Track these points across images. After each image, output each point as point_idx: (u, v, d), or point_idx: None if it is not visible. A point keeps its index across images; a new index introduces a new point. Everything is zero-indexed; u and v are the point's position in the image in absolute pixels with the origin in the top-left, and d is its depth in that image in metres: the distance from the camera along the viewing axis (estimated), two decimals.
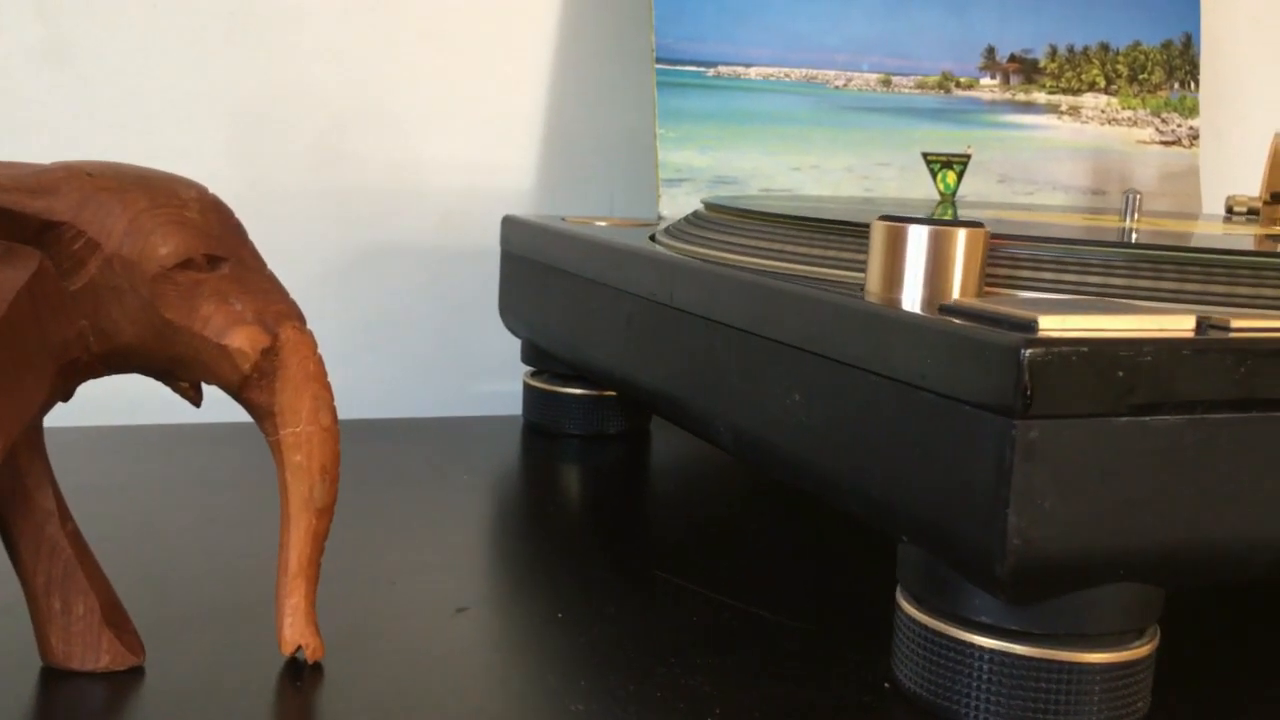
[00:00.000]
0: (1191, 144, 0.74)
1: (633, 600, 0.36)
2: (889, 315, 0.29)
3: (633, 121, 0.65)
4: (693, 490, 0.50)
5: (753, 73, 0.64)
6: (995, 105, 0.69)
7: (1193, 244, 0.37)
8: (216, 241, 0.27)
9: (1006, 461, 0.25)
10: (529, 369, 0.58)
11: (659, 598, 0.36)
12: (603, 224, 0.55)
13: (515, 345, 0.60)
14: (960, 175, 0.68)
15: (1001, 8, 0.69)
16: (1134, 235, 0.44)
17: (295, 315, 0.28)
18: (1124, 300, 0.32)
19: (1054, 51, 0.71)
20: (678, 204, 0.61)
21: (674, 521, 0.46)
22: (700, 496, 0.49)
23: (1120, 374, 0.25)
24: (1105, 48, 0.72)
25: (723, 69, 0.64)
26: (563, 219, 0.56)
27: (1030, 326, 0.26)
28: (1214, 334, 0.27)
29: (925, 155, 0.67)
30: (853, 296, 0.31)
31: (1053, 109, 0.71)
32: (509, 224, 0.58)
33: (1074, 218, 0.49)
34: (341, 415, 0.62)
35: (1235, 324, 0.28)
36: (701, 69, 0.63)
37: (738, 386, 0.36)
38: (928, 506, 0.28)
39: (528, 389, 0.57)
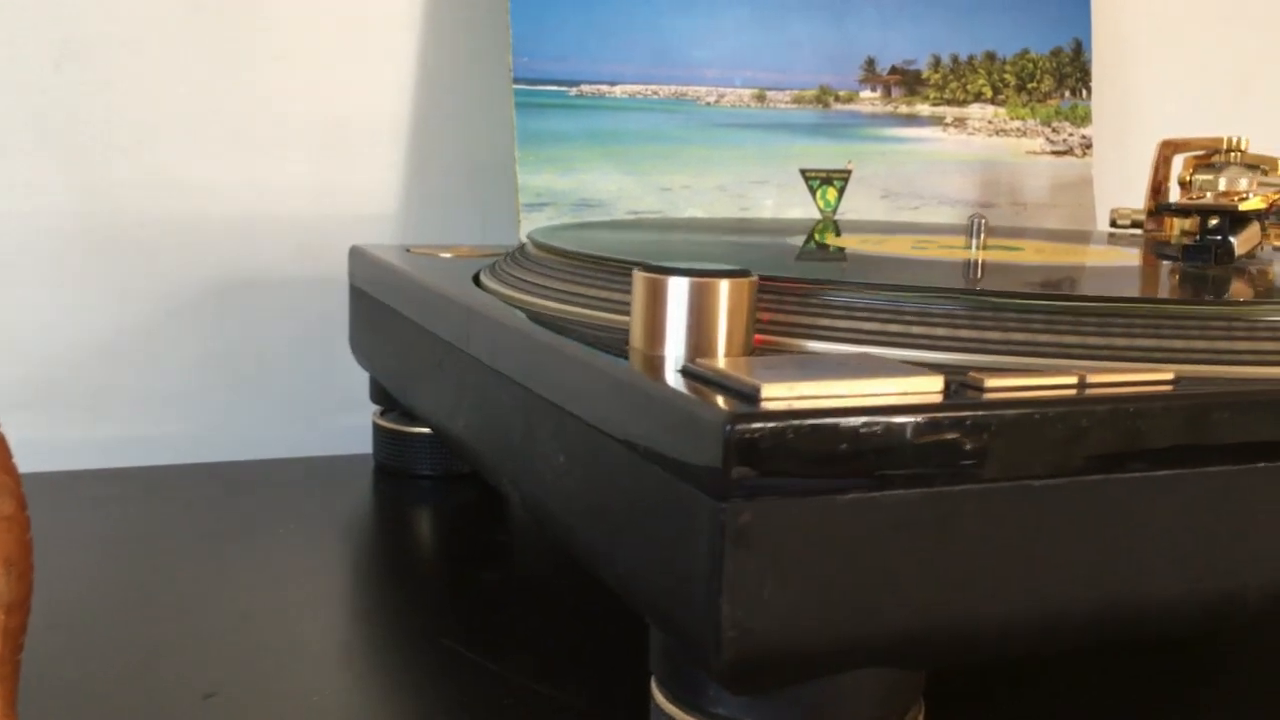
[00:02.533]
0: (1084, 153, 0.72)
1: (407, 676, 0.34)
2: (622, 376, 0.27)
3: (496, 144, 0.63)
4: (532, 540, 0.48)
5: (618, 91, 0.62)
6: (877, 118, 0.67)
7: (995, 284, 0.35)
8: None
9: (718, 547, 0.23)
10: (377, 408, 0.56)
11: (436, 672, 0.34)
12: (447, 255, 0.52)
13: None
14: (841, 192, 0.66)
15: (881, 18, 0.67)
16: (977, 269, 0.42)
17: None
18: (898, 353, 0.29)
19: (937, 62, 0.69)
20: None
21: (496, 578, 0.44)
22: (539, 548, 0.47)
23: (844, 447, 0.23)
24: (991, 57, 0.70)
25: (585, 88, 0.61)
26: (407, 249, 0.54)
27: (752, 396, 0.24)
28: (969, 394, 0.25)
29: (803, 172, 0.65)
30: (606, 353, 0.29)
31: (937, 121, 0.69)
32: (355, 255, 0.55)
33: (914, 245, 0.47)
34: (186, 459, 0.58)
35: (990, 384, 0.26)
36: (563, 88, 0.61)
37: (519, 443, 0.34)
38: (659, 590, 0.25)
39: (376, 429, 0.55)
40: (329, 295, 0.62)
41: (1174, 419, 0.26)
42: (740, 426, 0.23)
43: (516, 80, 0.60)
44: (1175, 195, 0.65)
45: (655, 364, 0.28)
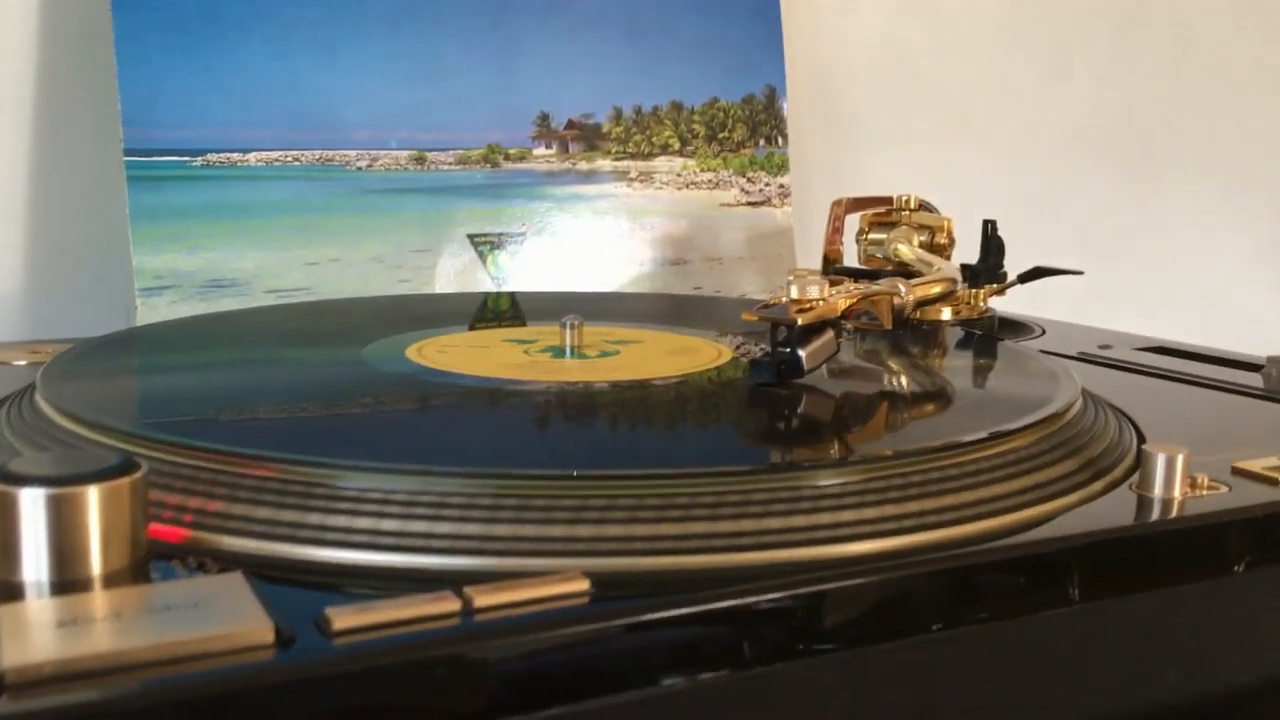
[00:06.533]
0: (783, 203, 0.70)
1: None
2: None
3: (116, 222, 0.57)
4: None
5: (252, 159, 0.57)
6: (553, 176, 0.64)
7: (461, 442, 0.32)
8: None
9: None
10: None
11: None
12: (22, 362, 0.47)
13: None
14: (515, 256, 0.62)
15: (553, 71, 0.63)
16: (553, 392, 0.38)
17: None
18: (319, 554, 0.25)
19: (619, 114, 0.65)
20: (160, 315, 0.54)
21: None
22: None
23: None
24: (678, 107, 0.67)
25: (213, 157, 0.56)
26: None
27: None
28: (313, 639, 0.22)
29: (471, 237, 0.61)
30: None
31: (621, 176, 0.66)
32: None
33: (508, 360, 0.43)
34: None
35: (341, 625, 0.22)
36: (185, 158, 0.56)
37: None
38: None
39: None
40: None
41: (564, 654, 0.23)
42: None
43: (128, 152, 0.54)
44: (852, 255, 0.63)
45: (17, 590, 0.23)
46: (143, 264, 0.54)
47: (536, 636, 0.23)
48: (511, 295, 0.60)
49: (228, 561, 0.26)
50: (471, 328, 0.50)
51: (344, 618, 0.22)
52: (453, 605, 0.23)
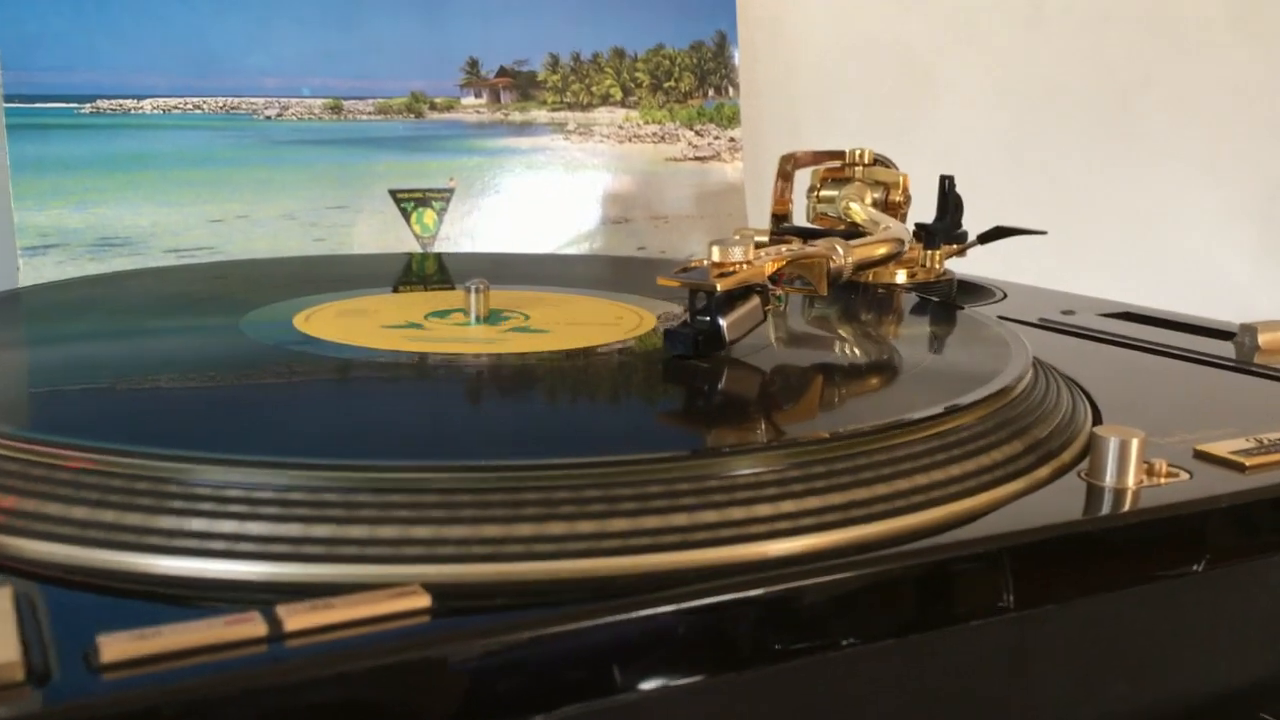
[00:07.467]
0: (733, 157, 0.66)
1: None
2: None
3: None
4: None
5: (147, 106, 0.52)
6: (484, 128, 0.59)
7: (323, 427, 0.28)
8: None
9: None
10: None
11: None
12: None
13: None
14: (441, 213, 0.58)
15: (484, 13, 0.59)
16: (426, 366, 0.35)
17: None
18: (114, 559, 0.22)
19: (555, 61, 0.61)
20: (45, 276, 0.49)
21: None
22: None
23: None
24: (620, 54, 0.63)
25: (104, 103, 0.52)
26: None
27: None
28: (80, 677, 0.18)
29: (394, 193, 0.57)
30: None
31: (558, 128, 0.61)
32: None
33: (402, 328, 0.39)
34: None
35: (114, 655, 0.18)
36: (74, 105, 0.51)
37: None
38: None
39: None
40: None
41: (395, 687, 0.19)
42: None
43: (8, 98, 0.49)
44: (802, 212, 0.59)
45: None
46: (25, 220, 0.49)
47: (361, 666, 0.19)
48: (438, 257, 0.56)
49: (20, 567, 0.22)
50: (396, 290, 0.46)
51: (117, 646, 0.18)
52: (257, 629, 0.19)
